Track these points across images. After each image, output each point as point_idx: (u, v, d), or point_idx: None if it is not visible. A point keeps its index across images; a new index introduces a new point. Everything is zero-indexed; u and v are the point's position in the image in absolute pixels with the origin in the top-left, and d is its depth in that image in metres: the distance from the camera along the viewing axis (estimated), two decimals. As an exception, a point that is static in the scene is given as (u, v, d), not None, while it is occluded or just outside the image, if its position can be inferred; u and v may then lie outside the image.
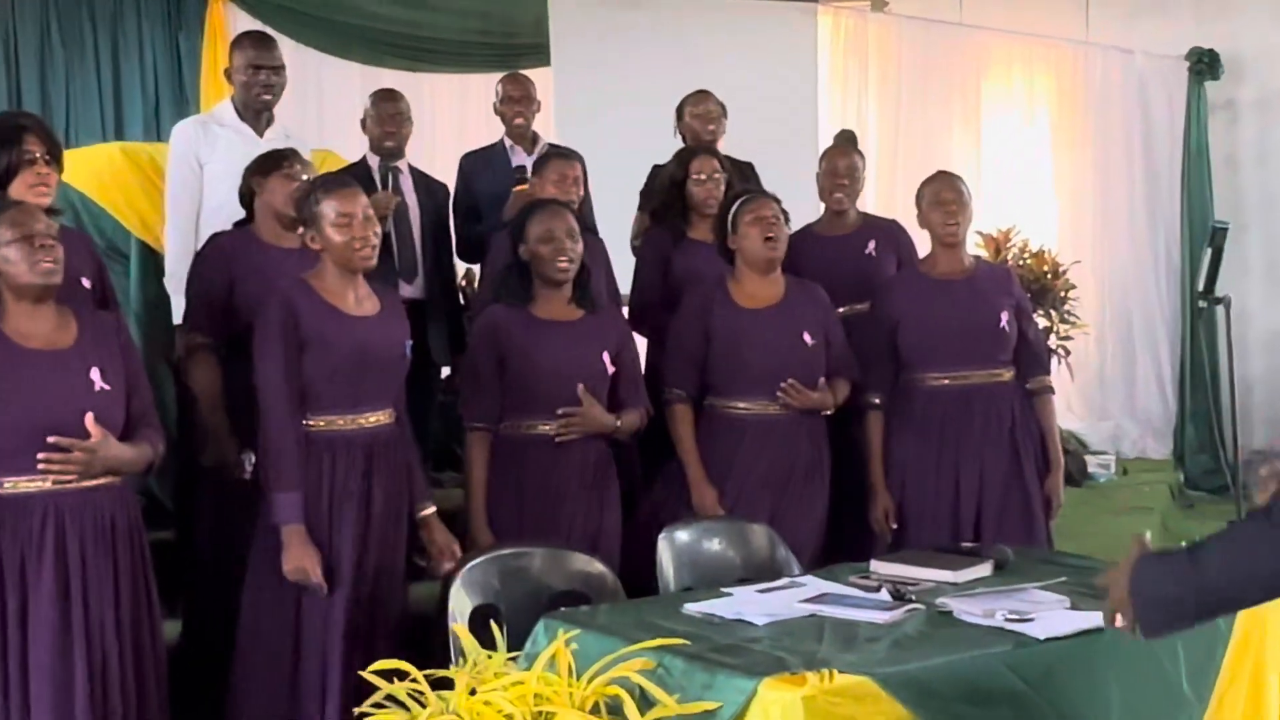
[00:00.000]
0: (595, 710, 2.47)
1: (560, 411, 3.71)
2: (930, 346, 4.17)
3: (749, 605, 2.90)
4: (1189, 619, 2.15)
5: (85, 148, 5.24)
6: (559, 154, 4.47)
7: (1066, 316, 7.09)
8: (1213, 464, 7.72)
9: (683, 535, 3.53)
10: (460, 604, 3.07)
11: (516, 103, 4.97)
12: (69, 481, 2.94)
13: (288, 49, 5.09)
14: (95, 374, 3.00)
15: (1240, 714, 2.88)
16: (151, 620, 3.12)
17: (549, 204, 3.91)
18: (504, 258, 3.94)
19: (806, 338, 4.06)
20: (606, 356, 3.81)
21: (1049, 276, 7.08)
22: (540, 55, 6.31)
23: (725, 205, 4.18)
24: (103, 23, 6.01)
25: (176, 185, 4.38)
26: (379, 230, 3.45)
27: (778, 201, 4.12)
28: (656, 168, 4.80)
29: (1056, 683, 2.62)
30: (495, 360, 3.74)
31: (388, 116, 4.72)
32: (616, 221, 4.93)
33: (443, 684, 2.55)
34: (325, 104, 6.32)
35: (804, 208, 4.69)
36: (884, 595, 2.96)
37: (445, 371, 4.94)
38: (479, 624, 2.89)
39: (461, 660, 2.68)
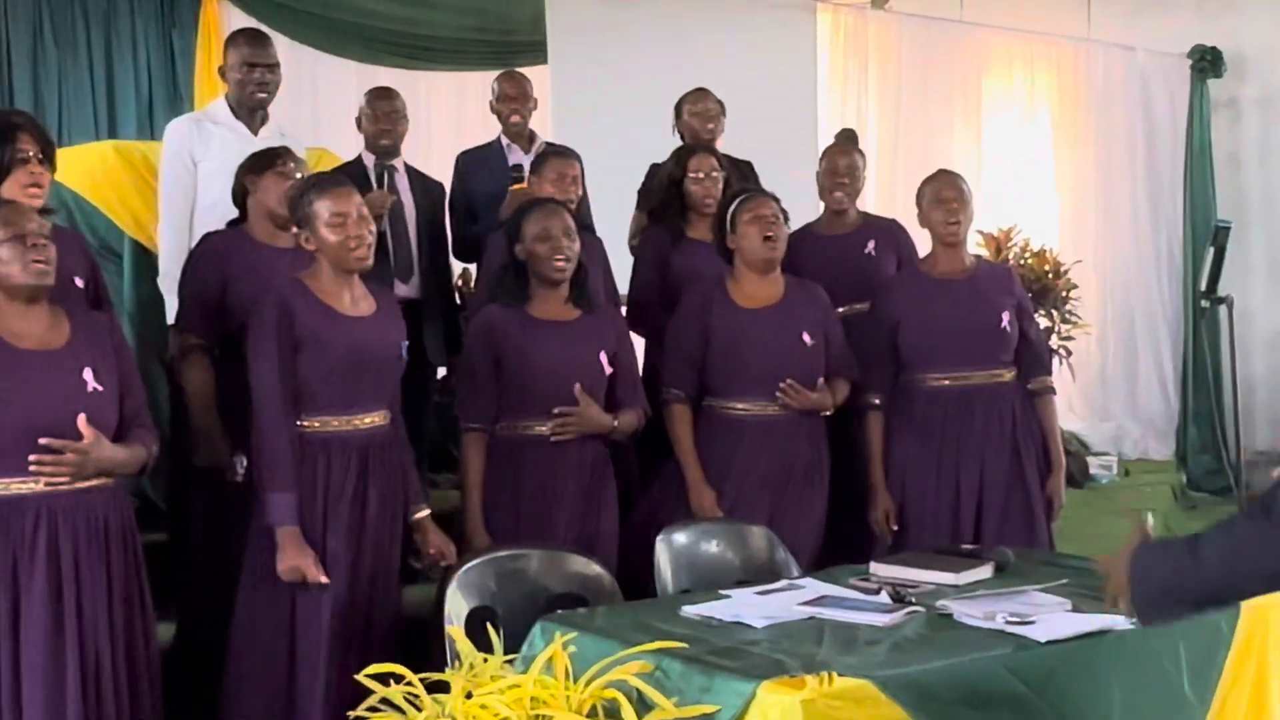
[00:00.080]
0: (593, 714, 2.46)
1: (556, 411, 3.70)
2: (931, 347, 4.16)
3: (747, 607, 2.89)
4: (1185, 609, 2.19)
5: (78, 146, 5.21)
6: (557, 152, 4.46)
7: (1068, 316, 7.07)
8: (1215, 465, 7.71)
9: (681, 537, 3.52)
10: (456, 606, 3.06)
11: (513, 101, 4.96)
12: (62, 483, 2.94)
13: (283, 46, 5.08)
14: (88, 374, 3.00)
15: (1242, 717, 2.86)
16: (145, 622, 3.11)
17: (545, 203, 3.90)
18: (501, 257, 3.93)
19: (806, 338, 4.05)
20: (604, 357, 3.80)
21: (1050, 276, 7.06)
22: (538, 53, 6.30)
23: (724, 204, 4.17)
24: (96, 20, 5.96)
25: (170, 184, 4.36)
26: (374, 229, 3.44)
27: (777, 200, 4.11)
28: (655, 166, 4.80)
29: (1058, 686, 2.60)
30: (491, 360, 3.72)
31: (383, 115, 4.71)
32: (614, 221, 4.92)
33: (438, 687, 2.54)
34: (320, 102, 6.30)
35: (803, 207, 4.68)
36: (884, 598, 2.95)
37: (441, 372, 4.93)
38: (475, 626, 2.88)
39: (457, 663, 2.67)
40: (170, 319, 4.12)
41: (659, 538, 3.46)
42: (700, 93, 4.93)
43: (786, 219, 4.12)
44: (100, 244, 4.60)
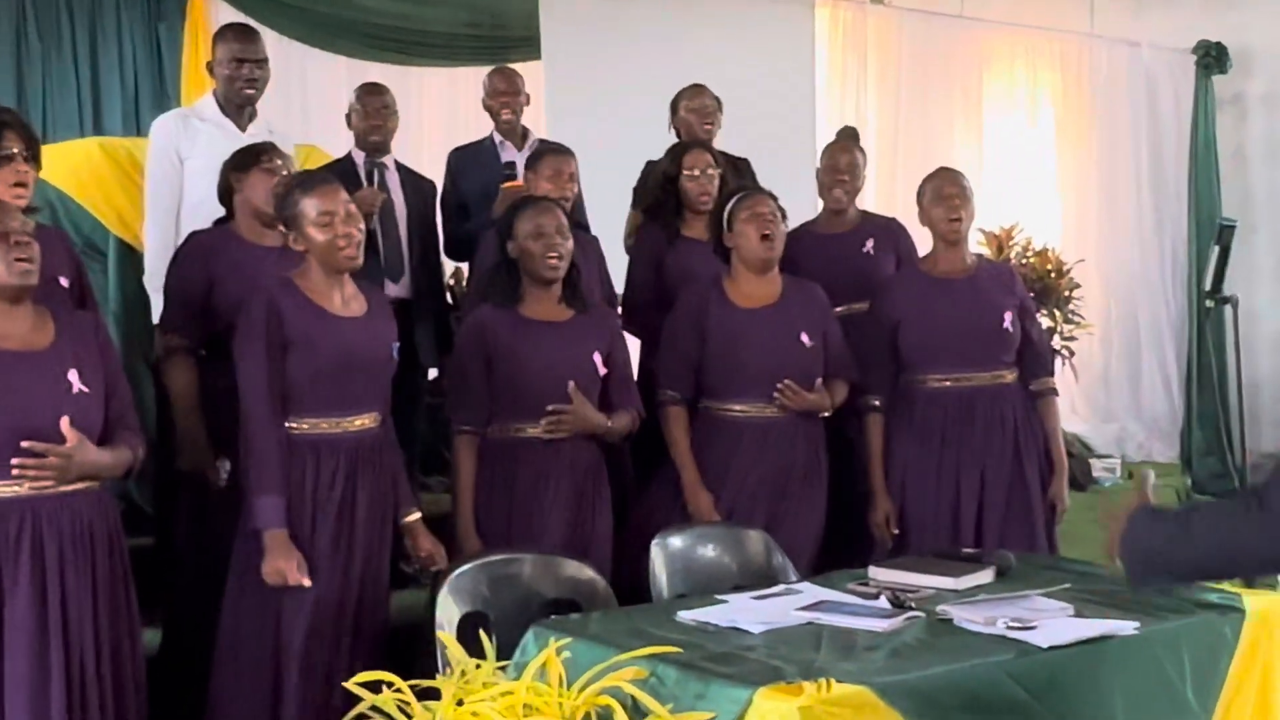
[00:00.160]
0: (586, 720, 2.45)
1: (550, 408, 3.67)
2: (931, 347, 4.13)
3: (744, 613, 2.88)
4: (1171, 578, 2.35)
5: (62, 143, 5.17)
6: (553, 149, 4.45)
7: (1070, 316, 7.06)
8: (1220, 467, 7.69)
9: (676, 541, 3.50)
10: (447, 612, 3.05)
11: (504, 96, 4.96)
12: (46, 486, 2.91)
13: (271, 41, 5.09)
14: (73, 375, 2.97)
15: (1246, 724, 2.85)
16: (130, 626, 3.09)
17: (538, 200, 3.88)
18: (494, 256, 3.89)
19: (804, 338, 4.02)
20: (598, 357, 3.77)
21: (1052, 275, 7.05)
22: (531, 48, 6.30)
23: (721, 202, 4.15)
24: (80, 14, 5.95)
25: (156, 181, 4.33)
26: (363, 227, 3.41)
27: (774, 199, 4.09)
28: (650, 164, 4.79)
29: (1059, 692, 2.60)
30: (483, 362, 3.69)
31: (373, 110, 4.69)
32: (609, 219, 4.90)
33: (429, 694, 2.52)
34: (310, 98, 6.31)
35: (801, 205, 4.68)
36: (883, 602, 2.94)
37: (433, 373, 4.91)
38: (467, 632, 2.87)
39: (449, 670, 2.66)
40: (156, 318, 4.09)
41: (654, 542, 3.44)
42: (697, 89, 4.91)
43: (784, 217, 4.10)
44: (85, 242, 4.58)
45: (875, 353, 4.18)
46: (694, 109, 4.86)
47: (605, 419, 3.75)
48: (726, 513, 3.90)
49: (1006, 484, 4.08)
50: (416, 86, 6.55)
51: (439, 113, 6.74)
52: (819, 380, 4.04)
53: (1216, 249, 6.92)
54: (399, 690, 2.51)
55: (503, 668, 2.61)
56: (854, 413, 4.19)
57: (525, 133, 4.97)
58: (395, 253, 4.62)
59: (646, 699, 2.43)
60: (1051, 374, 4.35)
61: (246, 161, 3.78)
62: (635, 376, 4.08)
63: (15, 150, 3.36)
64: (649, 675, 2.49)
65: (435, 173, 4.95)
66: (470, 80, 5.96)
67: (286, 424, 3.29)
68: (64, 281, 3.39)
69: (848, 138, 5.02)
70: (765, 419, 3.97)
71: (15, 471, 2.86)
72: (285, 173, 3.72)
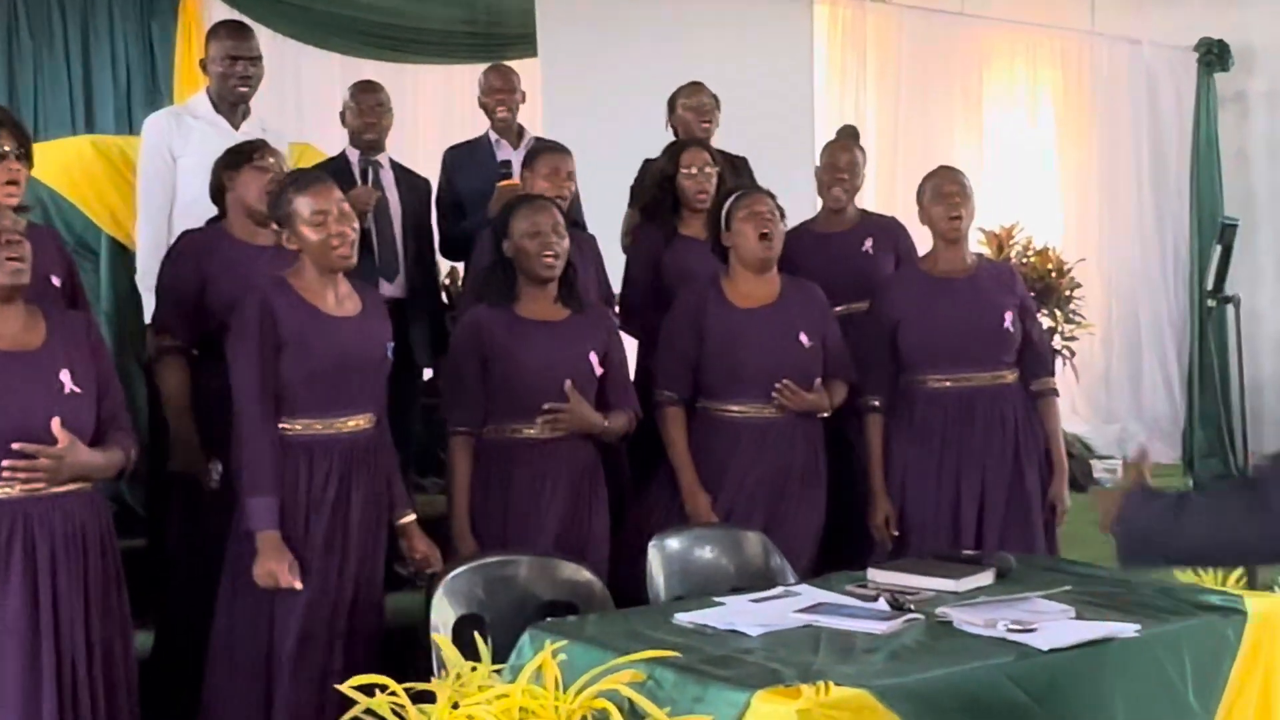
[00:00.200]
0: (583, 723, 2.44)
1: (546, 407, 3.65)
2: (931, 347, 4.11)
3: (742, 615, 2.87)
4: (1162, 561, 2.41)
5: (54, 141, 5.14)
6: (550, 147, 4.44)
7: (1071, 316, 7.05)
8: (1222, 468, 7.68)
9: (673, 543, 3.49)
10: (443, 614, 3.03)
11: (499, 94, 4.94)
12: (38, 488, 2.89)
13: (265, 39, 5.08)
14: (65, 376, 2.95)
15: (1248, 727, 2.84)
16: (123, 628, 3.08)
17: (534, 199, 3.86)
18: (489, 255, 3.87)
19: (803, 338, 4.01)
20: (594, 357, 3.75)
21: (1053, 275, 7.04)
22: (527, 45, 6.31)
23: (719, 201, 4.13)
24: (72, 10, 5.95)
25: (149, 179, 4.31)
26: (357, 225, 3.39)
27: (773, 197, 4.07)
28: (647, 162, 4.77)
29: (1060, 695, 2.59)
30: (478, 362, 3.67)
31: (368, 108, 4.68)
32: (606, 218, 4.89)
33: (424, 697, 2.50)
34: (304, 96, 6.32)
35: (800, 204, 4.67)
36: (882, 605, 2.93)
37: (428, 373, 4.89)
38: (462, 635, 2.85)
39: (444, 672, 2.63)
40: (149, 318, 4.09)
41: (651, 543, 3.42)
42: (694, 86, 4.90)
43: (783, 216, 4.08)
44: (77, 241, 4.57)
45: (875, 353, 4.17)
46: (691, 107, 4.85)
47: (602, 419, 3.73)
48: (725, 514, 3.89)
49: (1007, 485, 4.06)
50: (412, 84, 6.56)
51: (434, 111, 6.74)
52: (818, 380, 4.02)
53: (1218, 248, 6.89)
54: (393, 693, 2.49)
55: (498, 670, 2.59)
56: (853, 413, 4.18)
57: (521, 131, 4.95)
58: (390, 252, 4.60)
59: (644, 702, 2.42)
60: (1052, 374, 4.33)
61: (239, 160, 3.76)
62: (633, 376, 4.07)
63: (7, 148, 3.34)
64: (646, 678, 2.48)
65: (430, 171, 4.94)
66: (466, 78, 5.94)
67: (280, 424, 3.27)
68: (56, 281, 3.38)
69: (847, 136, 5.02)
70: (764, 419, 3.95)
71: (6, 474, 2.84)
72: (278, 171, 3.70)
